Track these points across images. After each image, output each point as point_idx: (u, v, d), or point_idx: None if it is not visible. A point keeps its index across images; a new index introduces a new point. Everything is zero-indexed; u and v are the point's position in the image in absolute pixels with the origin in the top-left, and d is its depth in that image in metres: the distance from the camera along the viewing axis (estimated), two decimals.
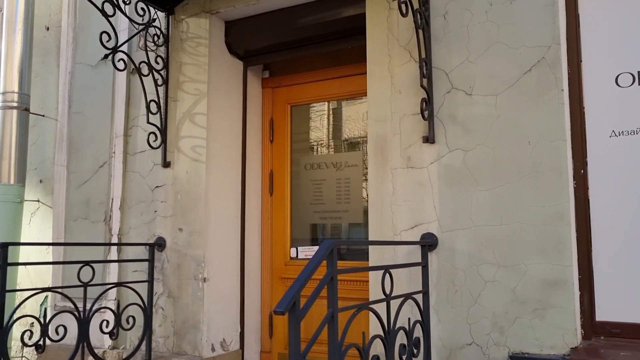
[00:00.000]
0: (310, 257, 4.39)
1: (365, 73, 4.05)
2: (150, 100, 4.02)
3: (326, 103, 4.47)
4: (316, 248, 4.25)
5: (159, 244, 4.07)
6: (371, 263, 3.35)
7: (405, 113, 3.33)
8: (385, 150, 3.36)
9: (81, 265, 3.48)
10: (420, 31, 3.15)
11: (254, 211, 4.43)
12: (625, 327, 2.82)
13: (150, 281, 3.98)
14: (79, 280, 3.43)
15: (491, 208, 3.04)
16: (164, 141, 4.13)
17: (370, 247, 3.37)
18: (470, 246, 3.07)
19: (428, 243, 3.12)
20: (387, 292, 2.53)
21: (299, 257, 4.37)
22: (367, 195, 3.45)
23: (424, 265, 3.07)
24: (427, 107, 3.20)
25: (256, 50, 4.38)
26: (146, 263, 4.06)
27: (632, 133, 2.92)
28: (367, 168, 4.08)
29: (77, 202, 4.53)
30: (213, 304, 3.96)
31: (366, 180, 4.14)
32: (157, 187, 4.17)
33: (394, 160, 3.33)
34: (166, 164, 4.13)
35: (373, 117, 3.43)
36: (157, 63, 4.13)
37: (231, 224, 4.22)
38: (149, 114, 4.00)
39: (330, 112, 4.49)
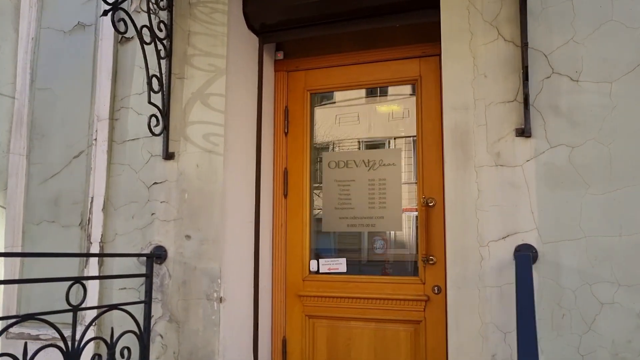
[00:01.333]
0: (335, 270, 3.78)
1: (411, 57, 3.52)
2: (152, 76, 3.20)
3: (357, 92, 3.85)
4: (342, 260, 3.63)
5: (158, 255, 3.25)
6: (449, 277, 2.75)
7: (493, 101, 2.78)
8: (467, 145, 2.80)
9: (71, 283, 2.61)
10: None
11: (266, 217, 3.71)
12: None
13: (148, 302, 3.15)
14: (67, 303, 2.56)
15: (607, 215, 2.55)
16: (166, 127, 3.32)
17: (449, 258, 2.77)
18: (581, 261, 2.56)
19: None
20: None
21: (320, 270, 3.69)
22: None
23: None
24: (523, 94, 2.68)
25: (274, 25, 3.68)
26: (137, 279, 3.23)
27: None
28: (407, 166, 3.51)
29: (41, 201, 3.59)
30: (229, 330, 3.19)
31: (407, 183, 3.56)
32: (155, 183, 3.34)
33: (478, 156, 2.77)
34: (169, 156, 3.32)
35: (450, 104, 2.86)
36: (160, 30, 3.32)
37: (246, 231, 3.47)
38: (151, 93, 3.18)
39: (361, 103, 3.87)
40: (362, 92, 3.85)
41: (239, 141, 3.40)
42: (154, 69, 3.23)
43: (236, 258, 3.32)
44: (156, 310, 3.21)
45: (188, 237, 3.23)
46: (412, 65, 3.58)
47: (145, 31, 3.14)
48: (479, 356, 2.65)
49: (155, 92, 3.21)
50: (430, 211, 3.41)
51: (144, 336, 3.06)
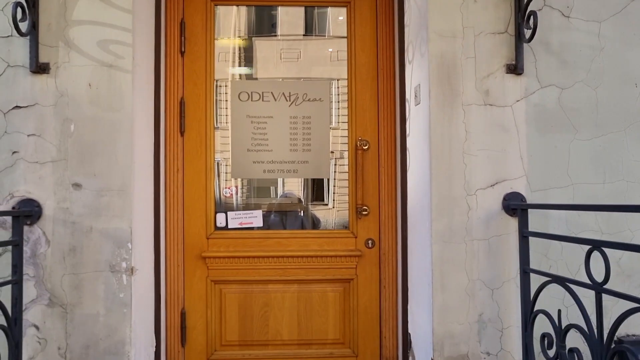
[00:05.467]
0: (249, 225, 3.12)
1: None
2: None
3: (278, 8, 3.14)
4: (257, 213, 3.03)
5: (28, 213, 2.23)
6: (434, 233, 2.39)
7: (483, 30, 2.44)
8: (454, 79, 2.42)
9: None
10: None
11: (162, 159, 2.86)
12: None
13: (18, 281, 2.15)
14: None
15: (592, 162, 2.45)
16: (34, 24, 2.25)
17: (433, 211, 2.40)
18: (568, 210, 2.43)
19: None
20: None
21: (229, 226, 3.01)
22: (424, 139, 2.43)
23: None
24: (515, 26, 2.39)
25: None
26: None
27: None
28: (339, 103, 3.04)
29: None
30: (141, 310, 2.38)
31: (336, 122, 3.07)
32: (17, 107, 2.26)
33: (466, 93, 2.42)
34: (40, 67, 2.26)
35: (436, 30, 2.42)
36: None
37: (146, 178, 2.61)
38: None
39: (281, 22, 3.18)
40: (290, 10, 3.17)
41: (146, 57, 2.50)
42: None
43: (144, 214, 2.47)
44: (29, 291, 2.22)
45: (77, 185, 2.27)
46: None
47: None
48: (466, 316, 2.38)
49: None
50: (364, 155, 2.99)
51: (14, 330, 2.10)
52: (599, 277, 1.75)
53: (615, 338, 2.34)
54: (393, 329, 2.97)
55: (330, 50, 3.15)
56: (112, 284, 2.27)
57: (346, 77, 3.03)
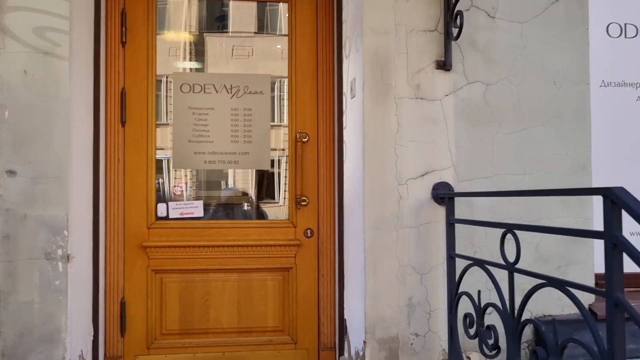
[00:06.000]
0: (190, 215, 3.15)
1: None
2: None
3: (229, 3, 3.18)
4: (198, 203, 3.07)
5: None
6: (367, 221, 2.50)
7: (414, 28, 2.56)
8: (387, 73, 2.53)
9: None
10: None
11: (102, 149, 2.86)
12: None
13: None
14: None
15: (514, 154, 2.62)
16: None
17: (366, 200, 2.50)
18: (492, 198, 2.58)
19: None
20: None
21: (170, 216, 3.03)
22: (359, 130, 2.54)
23: None
24: (444, 24, 2.53)
25: None
26: None
27: (619, 85, 2.92)
28: (284, 94, 3.12)
29: None
30: (77, 299, 2.39)
31: (281, 114, 3.14)
32: None
33: (399, 87, 2.54)
34: None
35: (370, 26, 2.53)
36: None
37: (85, 167, 2.61)
38: None
39: (233, 18, 3.22)
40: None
41: (85, 45, 2.50)
42: None
43: (82, 203, 2.48)
44: None
45: (11, 173, 2.26)
46: None
47: None
48: (396, 300, 2.50)
49: None
50: (304, 147, 3.08)
51: None
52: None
53: (532, 317, 2.53)
54: (331, 315, 3.07)
55: (279, 46, 3.22)
56: (47, 271, 2.27)
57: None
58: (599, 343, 1.46)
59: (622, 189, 1.43)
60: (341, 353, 2.96)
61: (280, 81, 3.17)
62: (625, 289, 1.96)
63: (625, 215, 1.41)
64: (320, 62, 3.09)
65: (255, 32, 3.26)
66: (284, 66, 3.14)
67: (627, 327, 1.43)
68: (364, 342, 2.51)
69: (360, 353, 2.58)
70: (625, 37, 2.94)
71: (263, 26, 3.28)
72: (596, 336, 1.48)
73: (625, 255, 1.41)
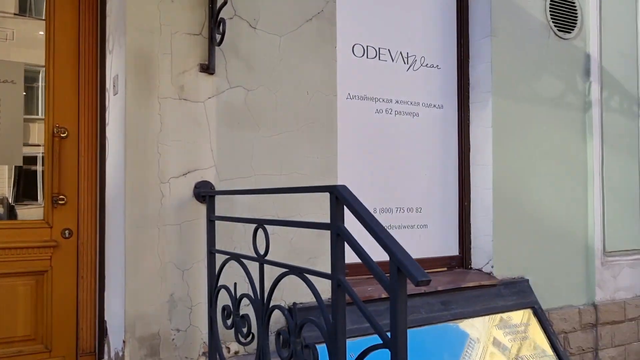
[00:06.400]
0: None
1: None
2: None
3: None
4: None
5: None
6: (128, 219, 2.47)
7: (179, 30, 2.61)
8: (151, 71, 2.54)
9: None
10: None
11: None
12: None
13: None
14: None
15: (272, 156, 2.84)
16: None
17: (127, 198, 2.47)
18: (251, 196, 2.76)
19: None
20: None
21: None
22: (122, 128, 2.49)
23: None
24: (209, 30, 2.64)
25: None
26: None
27: (362, 98, 3.36)
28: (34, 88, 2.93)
29: None
30: None
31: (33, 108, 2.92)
32: None
33: (163, 86, 2.56)
34: None
35: (134, 23, 2.51)
36: None
37: None
38: None
39: None
40: None
41: None
42: None
43: None
44: None
45: None
46: None
47: None
48: (157, 297, 2.52)
49: None
50: (62, 143, 2.92)
51: None
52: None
53: (286, 306, 2.79)
54: (91, 319, 2.95)
55: (42, 33, 2.97)
56: None
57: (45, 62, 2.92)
58: (326, 319, 1.70)
59: (344, 187, 1.69)
60: (101, 356, 2.87)
61: (43, 71, 2.95)
62: (359, 277, 2.30)
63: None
64: (82, 54, 2.96)
65: (15, 14, 2.98)
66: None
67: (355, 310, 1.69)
68: (124, 341, 2.48)
69: (120, 354, 2.54)
70: (367, 57, 3.39)
71: (25, 8, 3.01)
72: (324, 314, 1.71)
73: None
